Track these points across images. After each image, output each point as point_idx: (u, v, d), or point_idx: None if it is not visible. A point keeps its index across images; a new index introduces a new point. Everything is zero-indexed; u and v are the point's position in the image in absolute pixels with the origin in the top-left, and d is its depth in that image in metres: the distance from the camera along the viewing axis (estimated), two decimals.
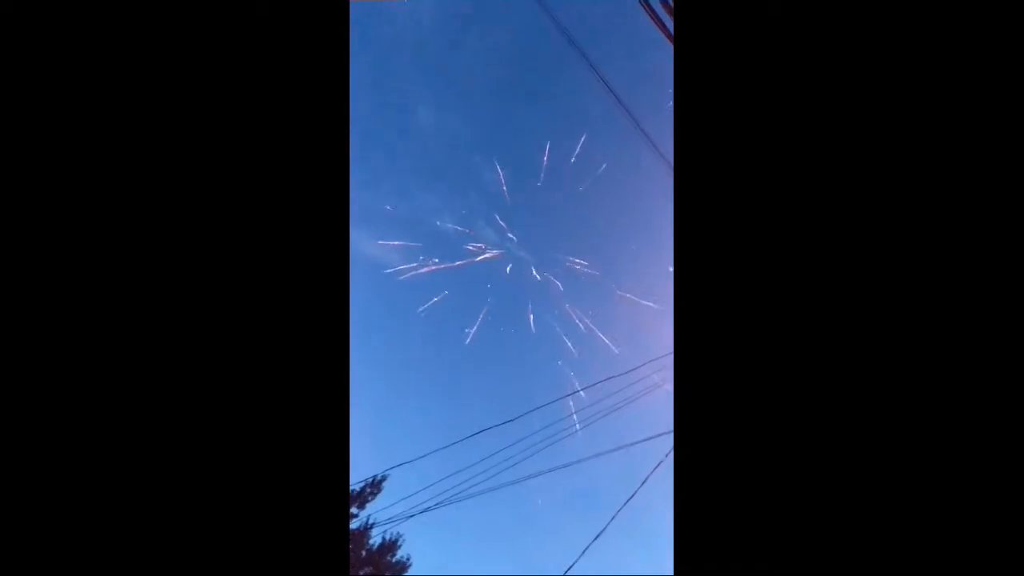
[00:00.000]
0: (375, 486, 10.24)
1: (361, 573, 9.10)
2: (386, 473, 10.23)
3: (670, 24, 3.41)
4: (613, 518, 5.44)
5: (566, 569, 5.21)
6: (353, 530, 9.49)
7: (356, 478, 9.80)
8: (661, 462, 5.45)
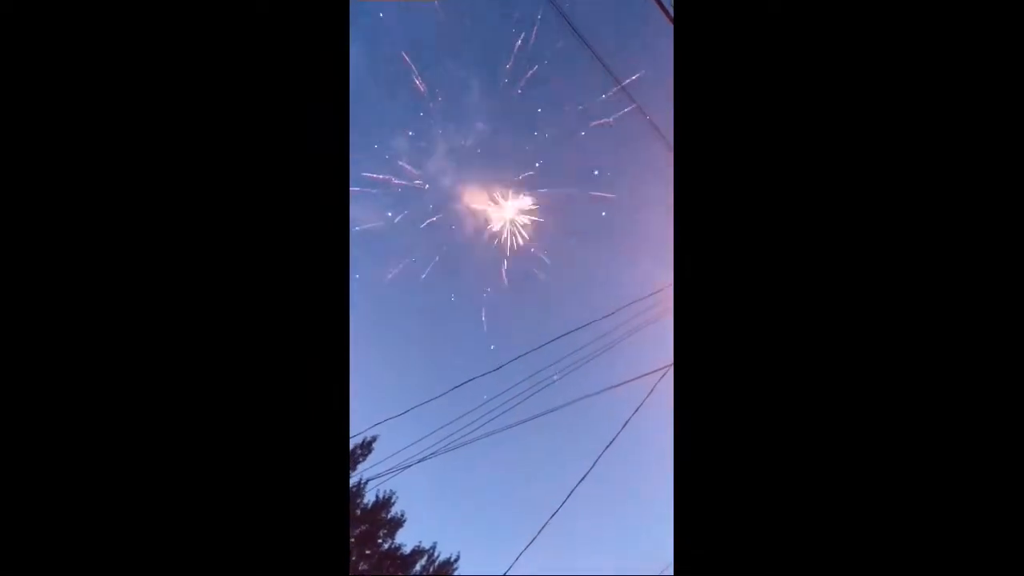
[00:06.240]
0: (366, 447, 10.43)
1: (357, 531, 9.44)
2: (376, 434, 10.36)
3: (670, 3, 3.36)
4: (608, 446, 5.65)
5: (567, 497, 5.47)
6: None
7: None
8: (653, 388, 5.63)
